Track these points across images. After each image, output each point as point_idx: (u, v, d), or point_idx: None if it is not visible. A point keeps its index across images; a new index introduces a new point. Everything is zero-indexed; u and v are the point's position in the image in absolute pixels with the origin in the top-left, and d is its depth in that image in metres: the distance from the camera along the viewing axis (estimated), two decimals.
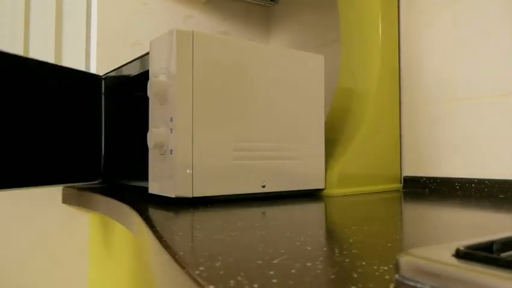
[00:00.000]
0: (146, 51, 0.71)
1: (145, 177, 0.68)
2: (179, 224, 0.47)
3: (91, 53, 1.12)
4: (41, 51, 1.05)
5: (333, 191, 0.77)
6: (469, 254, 0.24)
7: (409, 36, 0.90)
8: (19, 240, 0.98)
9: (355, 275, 0.26)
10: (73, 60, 1.09)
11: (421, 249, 0.26)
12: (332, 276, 0.26)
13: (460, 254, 0.24)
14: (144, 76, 0.70)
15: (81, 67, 1.10)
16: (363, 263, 0.29)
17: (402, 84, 0.91)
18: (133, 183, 0.79)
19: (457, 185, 0.79)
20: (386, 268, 0.28)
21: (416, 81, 0.88)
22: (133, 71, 0.79)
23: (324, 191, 0.78)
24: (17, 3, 1.03)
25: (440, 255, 0.25)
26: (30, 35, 1.04)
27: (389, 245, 0.35)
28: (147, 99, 0.67)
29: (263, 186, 0.69)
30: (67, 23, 1.09)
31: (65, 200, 1.01)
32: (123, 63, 0.84)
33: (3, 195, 0.96)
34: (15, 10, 1.03)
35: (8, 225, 0.97)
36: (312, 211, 0.59)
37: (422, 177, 0.85)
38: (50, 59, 1.06)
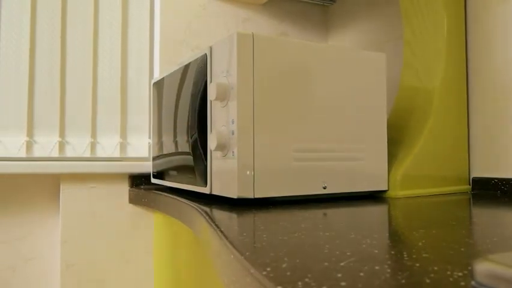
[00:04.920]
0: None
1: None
2: (242, 225, 0.47)
3: (155, 58, 1.16)
4: (109, 56, 1.11)
5: (397, 192, 0.74)
6: None
7: (477, 31, 0.85)
8: (90, 239, 1.04)
9: (427, 281, 0.26)
10: (137, 65, 1.14)
11: (499, 255, 0.25)
12: (403, 281, 0.25)
13: None
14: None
15: (145, 71, 1.15)
16: (435, 268, 0.28)
17: (470, 80, 0.87)
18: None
19: None
20: (460, 274, 0.27)
21: (485, 78, 0.84)
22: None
23: (387, 193, 0.76)
24: (87, 11, 1.09)
25: None
26: (98, 40, 1.10)
27: (462, 249, 0.34)
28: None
29: (324, 188, 0.68)
30: (132, 31, 1.14)
31: (132, 200, 1.06)
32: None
33: (76, 197, 1.02)
34: (85, 17, 1.09)
35: (80, 225, 1.03)
36: (376, 213, 0.57)
37: (493, 179, 0.81)
38: (116, 63, 1.11)
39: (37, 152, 1.03)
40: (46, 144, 1.04)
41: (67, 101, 1.07)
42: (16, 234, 1.01)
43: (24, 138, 1.02)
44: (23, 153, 1.01)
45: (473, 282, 0.24)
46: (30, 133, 1.03)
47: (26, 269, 1.02)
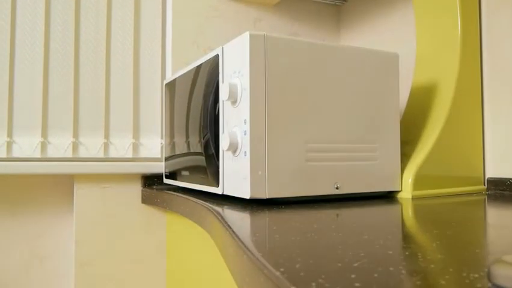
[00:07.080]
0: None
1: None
2: (255, 225, 0.47)
3: (167, 59, 1.16)
4: (121, 57, 1.12)
5: (410, 193, 0.74)
6: None
7: (492, 29, 0.84)
8: (104, 238, 1.04)
9: (443, 282, 0.25)
10: (150, 66, 1.15)
11: None
12: (418, 282, 0.25)
13: None
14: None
15: (157, 72, 1.15)
16: (451, 270, 0.28)
17: (485, 80, 0.86)
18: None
19: None
20: (476, 276, 0.26)
21: (500, 77, 0.83)
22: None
23: (400, 193, 0.75)
24: (100, 12, 1.10)
25: None
26: (111, 41, 1.11)
27: (477, 251, 0.33)
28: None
29: (337, 188, 0.68)
30: (144, 32, 1.15)
31: (144, 200, 1.06)
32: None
33: (89, 197, 1.03)
34: (97, 18, 1.10)
35: (93, 224, 1.04)
36: (389, 213, 0.57)
37: (508, 179, 0.79)
38: (129, 64, 1.12)
39: (51, 153, 1.04)
40: (60, 144, 1.05)
41: (80, 102, 1.08)
42: (31, 234, 1.03)
43: (38, 139, 1.03)
44: (37, 154, 1.02)
45: (489, 284, 0.23)
46: (44, 134, 1.04)
47: (40, 268, 1.03)
